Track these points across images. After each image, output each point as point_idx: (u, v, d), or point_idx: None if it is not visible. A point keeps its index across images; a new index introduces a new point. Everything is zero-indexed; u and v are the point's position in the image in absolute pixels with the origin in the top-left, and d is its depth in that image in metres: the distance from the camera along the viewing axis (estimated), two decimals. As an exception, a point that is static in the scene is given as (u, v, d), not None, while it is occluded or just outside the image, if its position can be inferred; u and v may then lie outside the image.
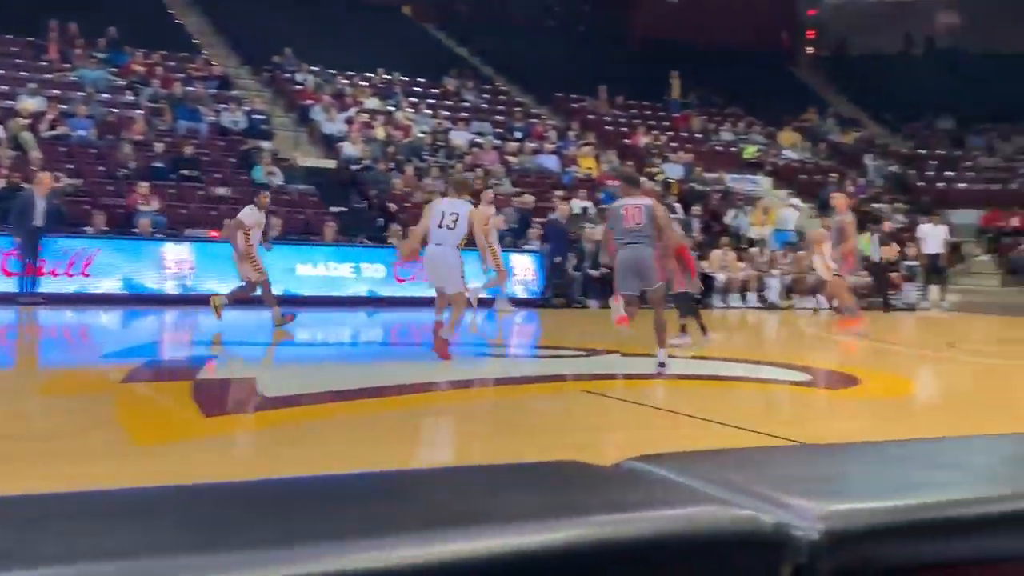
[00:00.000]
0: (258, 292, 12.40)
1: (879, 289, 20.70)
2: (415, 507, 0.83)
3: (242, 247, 12.15)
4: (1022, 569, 0.86)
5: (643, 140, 26.60)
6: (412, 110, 24.41)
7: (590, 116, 28.16)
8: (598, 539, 0.77)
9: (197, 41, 26.32)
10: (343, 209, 19.19)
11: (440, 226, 9.29)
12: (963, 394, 9.42)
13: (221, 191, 18.52)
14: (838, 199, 14.88)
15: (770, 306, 19.56)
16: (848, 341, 13.36)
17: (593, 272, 18.26)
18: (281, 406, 6.95)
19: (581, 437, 6.01)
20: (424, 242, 9.66)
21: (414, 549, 0.72)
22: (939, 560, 0.84)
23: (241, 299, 12.37)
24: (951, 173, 30.30)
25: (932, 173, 30.28)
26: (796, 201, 23.29)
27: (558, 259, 18.18)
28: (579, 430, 6.43)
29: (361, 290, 16.89)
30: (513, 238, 19.11)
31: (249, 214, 12.29)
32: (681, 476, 0.92)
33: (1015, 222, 25.71)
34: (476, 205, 11.47)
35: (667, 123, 29.06)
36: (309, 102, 23.52)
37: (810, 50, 38.29)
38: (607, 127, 27.75)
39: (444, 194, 12.83)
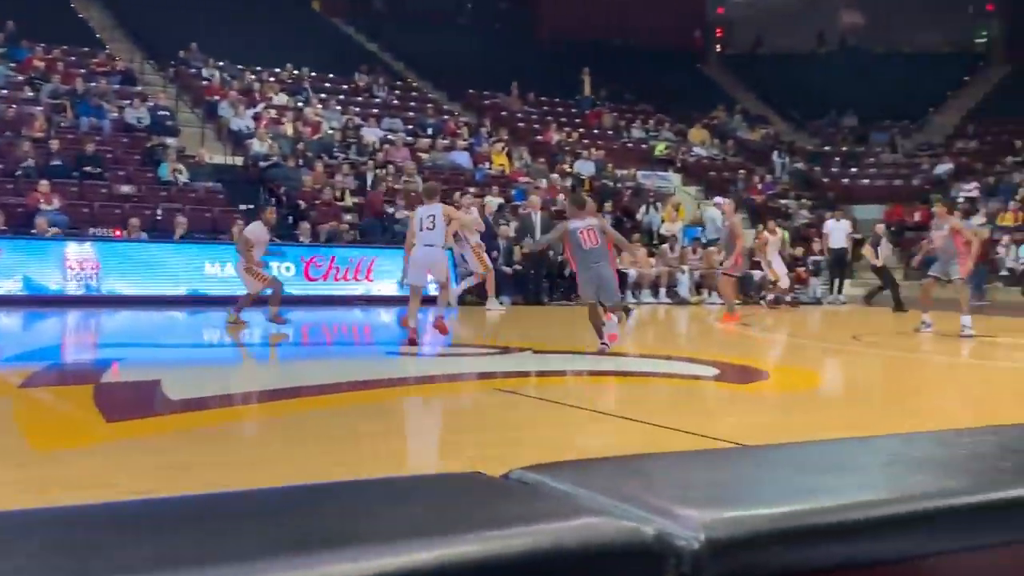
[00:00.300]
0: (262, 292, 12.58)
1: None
2: (290, 527, 0.80)
3: (246, 262, 12.37)
4: (904, 572, 0.87)
5: (555, 137, 26.74)
6: (322, 106, 24.19)
7: (502, 113, 28.21)
8: (476, 556, 0.75)
9: (100, 35, 25.73)
10: (251, 207, 18.91)
11: (422, 230, 10.78)
12: (866, 386, 9.65)
13: (125, 189, 18.13)
14: (725, 205, 16.58)
15: (681, 301, 19.81)
16: (736, 333, 13.92)
17: (507, 269, 18.28)
18: (187, 409, 6.80)
19: (491, 436, 6.00)
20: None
21: (281, 574, 0.69)
22: (822, 566, 0.84)
23: (247, 305, 12.63)
24: (855, 169, 31.06)
25: (836, 169, 31.01)
26: (719, 200, 23.65)
27: (495, 254, 18.16)
28: (490, 429, 6.41)
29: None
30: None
31: (254, 230, 12.37)
32: (570, 486, 0.90)
33: (917, 217, 26.43)
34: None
35: (579, 120, 29.27)
36: (216, 98, 23.15)
37: (719, 48, 38.88)
38: (519, 124, 27.83)
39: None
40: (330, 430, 6.08)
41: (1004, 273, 22.01)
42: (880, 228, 19.82)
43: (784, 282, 19.78)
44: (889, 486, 0.94)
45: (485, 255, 16.14)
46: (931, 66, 34.01)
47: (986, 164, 28.95)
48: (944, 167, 29.30)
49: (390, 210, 19.57)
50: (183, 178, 18.82)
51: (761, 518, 0.83)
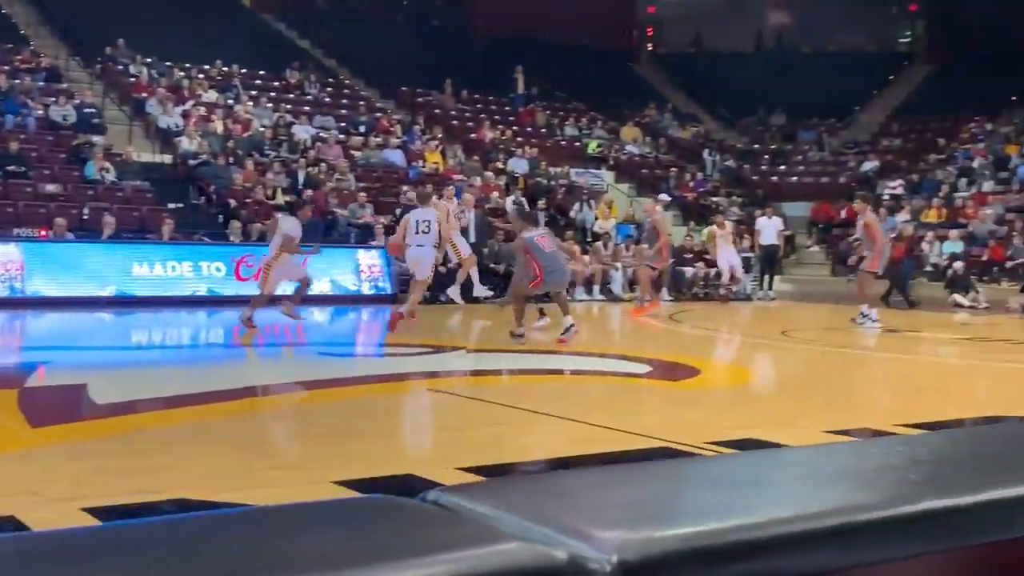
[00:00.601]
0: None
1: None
2: (191, 561, 0.79)
3: (274, 258, 12.33)
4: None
5: (489, 135, 26.75)
6: (252, 103, 23.91)
7: (436, 111, 28.15)
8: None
9: (24, 32, 25.18)
10: (180, 206, 18.65)
11: (417, 232, 12.24)
12: (795, 382, 9.80)
13: (51, 188, 17.77)
14: (647, 204, 17.69)
15: (614, 299, 19.93)
16: (653, 326, 14.28)
17: (440, 269, 18.22)
18: (114, 414, 6.69)
19: (425, 438, 6.00)
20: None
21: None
22: (735, 584, 0.86)
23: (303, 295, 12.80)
24: (783, 167, 31.54)
25: (766, 167, 31.45)
26: (663, 197, 23.91)
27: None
28: (424, 431, 6.41)
29: (201, 289, 16.44)
30: (363, 236, 18.96)
31: (292, 226, 12.24)
32: (486, 508, 0.91)
33: (843, 214, 26.92)
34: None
35: (512, 118, 29.31)
36: (143, 95, 22.77)
37: (650, 47, 39.20)
38: (453, 122, 27.80)
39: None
40: (259, 433, 6.03)
41: (928, 269, 22.49)
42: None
43: (726, 276, 20.26)
44: (801, 502, 0.96)
45: (460, 247, 16.11)
46: (857, 65, 34.66)
47: (910, 162, 29.58)
48: (870, 165, 29.88)
49: (336, 209, 19.45)
50: (110, 177, 18.49)
51: (673, 538, 0.84)
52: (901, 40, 38.98)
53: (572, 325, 11.22)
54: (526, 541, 0.83)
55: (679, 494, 0.98)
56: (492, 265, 18.94)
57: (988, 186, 26.24)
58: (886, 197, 26.76)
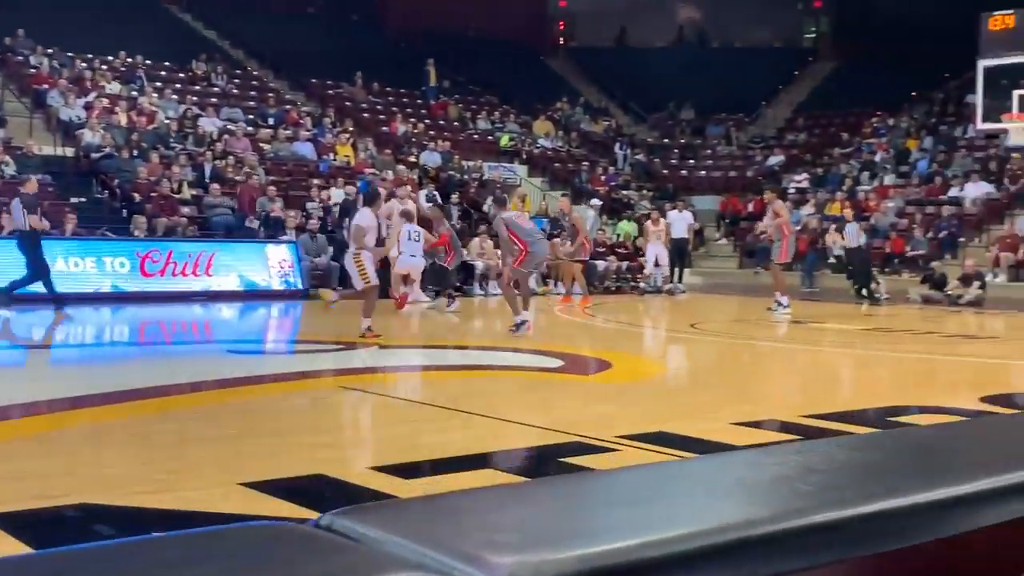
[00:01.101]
0: None
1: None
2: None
3: (358, 250, 11.66)
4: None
5: (401, 128, 26.61)
6: (157, 95, 23.41)
7: (347, 103, 27.89)
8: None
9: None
10: (83, 200, 18.18)
11: (409, 239, 15.24)
12: (705, 373, 9.95)
13: (-55, 182, 17.18)
14: (562, 201, 18.91)
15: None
16: (566, 320, 14.54)
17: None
18: (9, 416, 6.48)
19: (336, 437, 5.94)
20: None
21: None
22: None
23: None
24: (692, 161, 31.99)
25: (675, 161, 31.87)
26: (595, 202, 24.12)
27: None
28: (335, 430, 6.34)
29: (105, 285, 16.07)
30: (274, 230, 18.72)
31: (365, 216, 11.80)
32: (380, 533, 0.89)
33: (751, 207, 27.41)
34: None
35: (424, 111, 29.19)
36: (44, 86, 22.15)
37: (562, 41, 39.37)
38: (364, 114, 27.58)
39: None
40: (164, 435, 5.90)
41: (831, 261, 23.02)
42: (848, 212, 20.32)
43: (650, 268, 20.83)
44: (696, 517, 0.96)
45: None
46: (763, 61, 35.28)
47: (815, 156, 30.24)
48: (776, 159, 30.47)
49: (268, 204, 19.18)
50: (10, 171, 17.94)
51: (567, 560, 0.84)
52: (806, 37, 39.77)
53: (525, 321, 11.61)
54: (419, 570, 0.81)
55: (574, 513, 0.98)
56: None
57: (889, 180, 26.96)
58: (792, 191, 27.33)
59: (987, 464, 1.24)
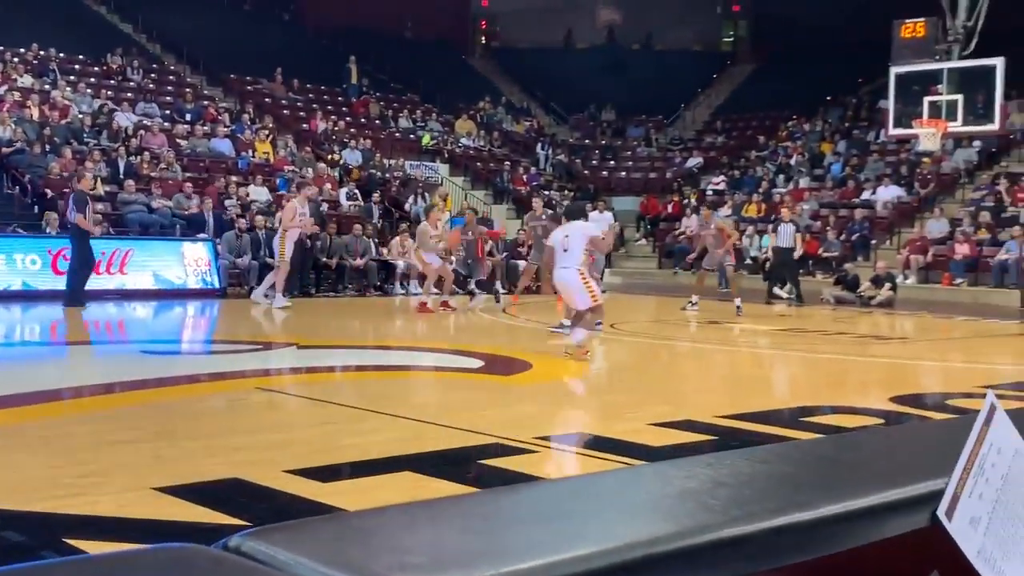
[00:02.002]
0: None
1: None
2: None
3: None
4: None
5: (321, 125, 26.38)
6: (71, 89, 22.87)
7: (266, 99, 27.56)
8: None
9: None
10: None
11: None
12: (624, 374, 10.05)
13: None
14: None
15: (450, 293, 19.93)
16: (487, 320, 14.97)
17: (270, 260, 17.87)
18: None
19: (254, 440, 5.86)
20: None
21: None
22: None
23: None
24: (613, 162, 32.27)
25: (596, 162, 32.12)
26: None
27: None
28: (252, 432, 6.26)
29: (15, 283, 15.65)
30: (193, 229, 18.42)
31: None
32: (290, 556, 0.88)
33: (669, 208, 27.73)
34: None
35: (346, 109, 28.98)
36: (-48, 79, 21.50)
37: (484, 41, 39.40)
38: (284, 111, 27.28)
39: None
40: (75, 438, 5.77)
41: (748, 262, 23.40)
42: (785, 212, 20.33)
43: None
44: (602, 535, 0.97)
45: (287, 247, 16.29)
46: (683, 64, 35.74)
47: (732, 158, 30.71)
48: (694, 161, 30.90)
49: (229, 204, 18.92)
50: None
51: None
52: (725, 40, 40.36)
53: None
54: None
55: (485, 532, 0.98)
56: (324, 260, 18.70)
57: (804, 182, 27.49)
58: (709, 193, 27.73)
59: (892, 475, 1.28)
